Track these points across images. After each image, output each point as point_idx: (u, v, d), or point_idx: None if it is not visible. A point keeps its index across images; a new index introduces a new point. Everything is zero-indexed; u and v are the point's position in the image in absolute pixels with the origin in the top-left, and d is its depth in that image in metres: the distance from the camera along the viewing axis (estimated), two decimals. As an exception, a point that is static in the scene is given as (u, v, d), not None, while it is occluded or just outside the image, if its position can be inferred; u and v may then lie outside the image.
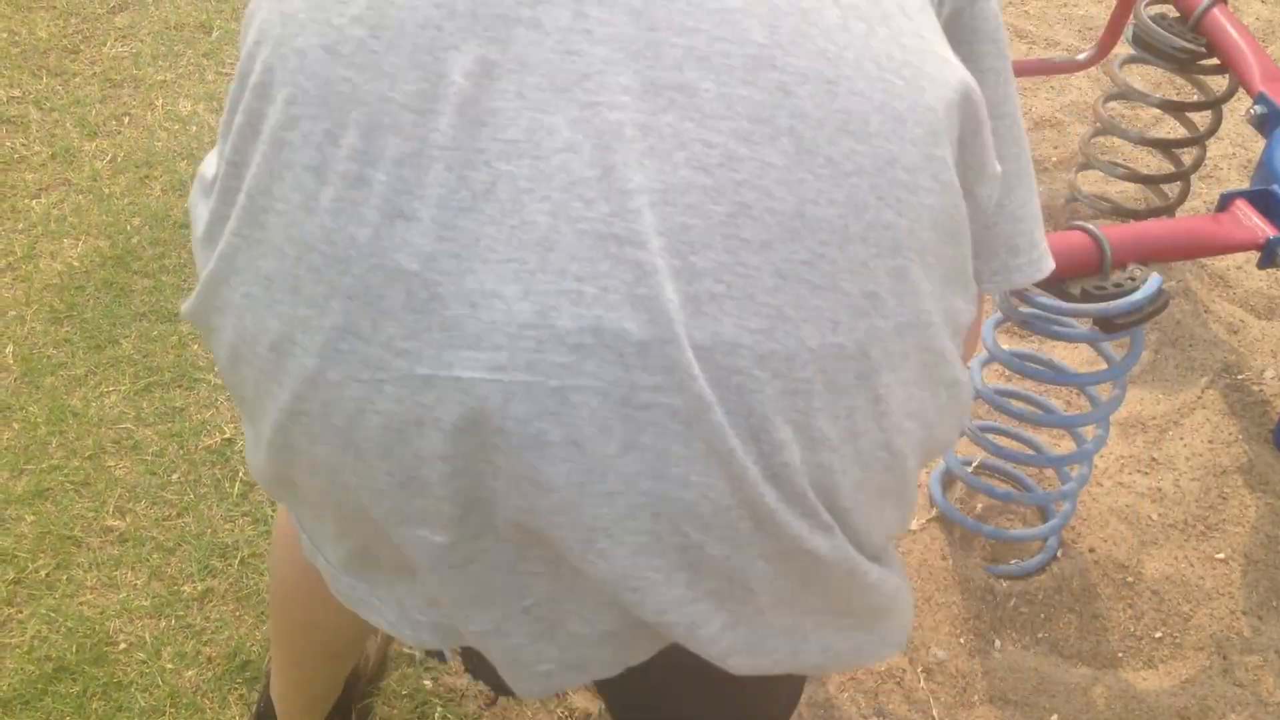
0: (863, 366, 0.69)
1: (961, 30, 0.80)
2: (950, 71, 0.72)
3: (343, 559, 0.86)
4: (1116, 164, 2.26)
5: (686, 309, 0.64)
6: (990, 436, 1.70)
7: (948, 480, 1.83)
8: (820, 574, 0.76)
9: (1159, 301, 1.40)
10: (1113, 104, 2.32)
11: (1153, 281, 1.39)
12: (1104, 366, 1.58)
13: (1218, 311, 2.15)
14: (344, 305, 0.67)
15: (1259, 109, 1.74)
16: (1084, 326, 1.49)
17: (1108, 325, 1.39)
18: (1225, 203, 1.59)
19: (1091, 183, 2.36)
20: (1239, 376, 2.03)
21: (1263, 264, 1.54)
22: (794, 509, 0.71)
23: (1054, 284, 1.40)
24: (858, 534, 0.76)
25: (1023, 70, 2.50)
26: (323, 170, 0.68)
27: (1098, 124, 2.15)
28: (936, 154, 0.69)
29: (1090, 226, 1.40)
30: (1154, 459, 1.91)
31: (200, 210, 0.80)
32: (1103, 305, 1.37)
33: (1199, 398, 2.00)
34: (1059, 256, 1.42)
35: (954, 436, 0.83)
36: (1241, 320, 2.13)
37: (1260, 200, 1.59)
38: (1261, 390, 2.01)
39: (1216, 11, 1.88)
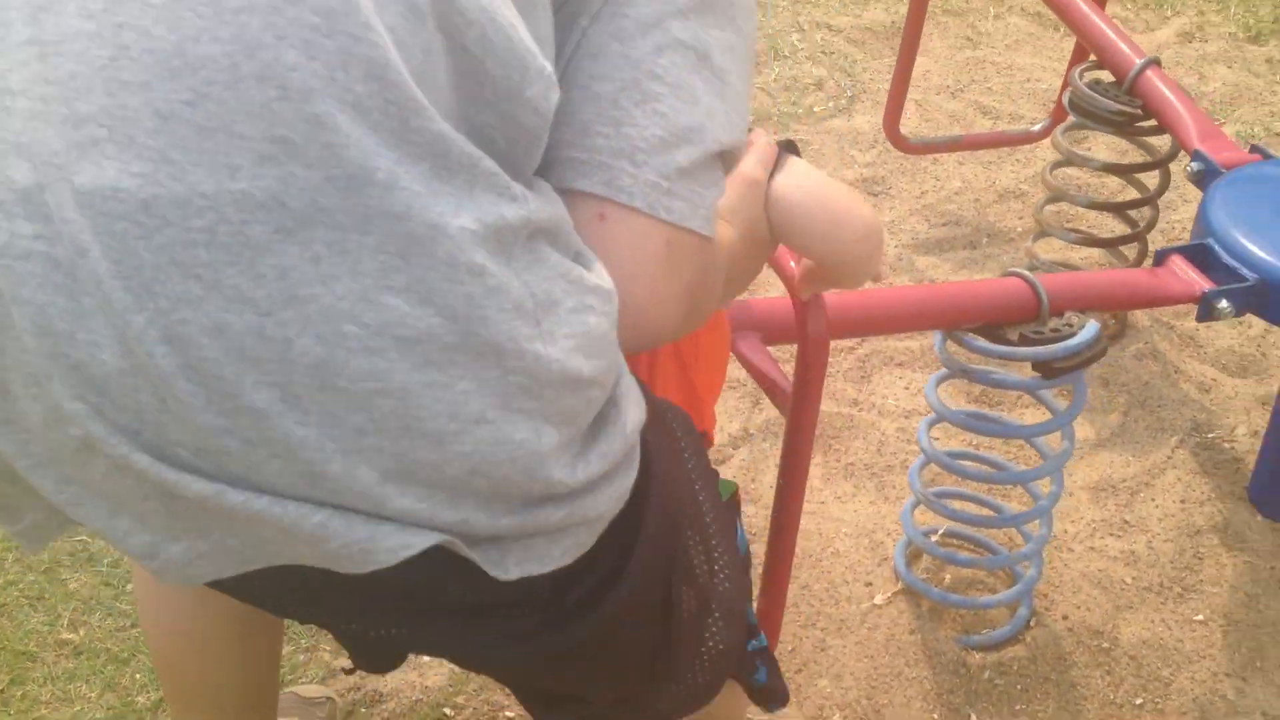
0: (282, 219, 0.65)
1: None
2: None
3: None
4: (1073, 230, 2.26)
5: (71, 154, 0.65)
6: (947, 502, 1.67)
7: (912, 553, 1.79)
8: (274, 455, 0.69)
9: (1097, 347, 1.40)
10: (1063, 170, 2.34)
11: (1090, 327, 1.40)
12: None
13: (1188, 372, 2.12)
14: None
15: (1195, 166, 1.75)
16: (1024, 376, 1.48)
17: (1048, 370, 1.40)
18: (1161, 258, 1.60)
19: (1054, 250, 2.35)
20: (1209, 435, 2.00)
21: (1201, 317, 1.54)
22: (195, 380, 0.66)
23: (990, 329, 1.40)
24: (347, 426, 0.68)
25: (981, 143, 2.53)
26: None
27: (1049, 192, 2.16)
28: (364, 4, 0.67)
29: (1026, 273, 1.41)
30: (1126, 521, 1.87)
31: None
32: (1042, 349, 1.37)
33: (1169, 458, 1.96)
34: (997, 303, 1.42)
35: (541, 351, 0.71)
36: (1214, 379, 2.11)
37: (1197, 255, 1.59)
38: (1234, 447, 1.98)
39: (1150, 73, 1.90)
